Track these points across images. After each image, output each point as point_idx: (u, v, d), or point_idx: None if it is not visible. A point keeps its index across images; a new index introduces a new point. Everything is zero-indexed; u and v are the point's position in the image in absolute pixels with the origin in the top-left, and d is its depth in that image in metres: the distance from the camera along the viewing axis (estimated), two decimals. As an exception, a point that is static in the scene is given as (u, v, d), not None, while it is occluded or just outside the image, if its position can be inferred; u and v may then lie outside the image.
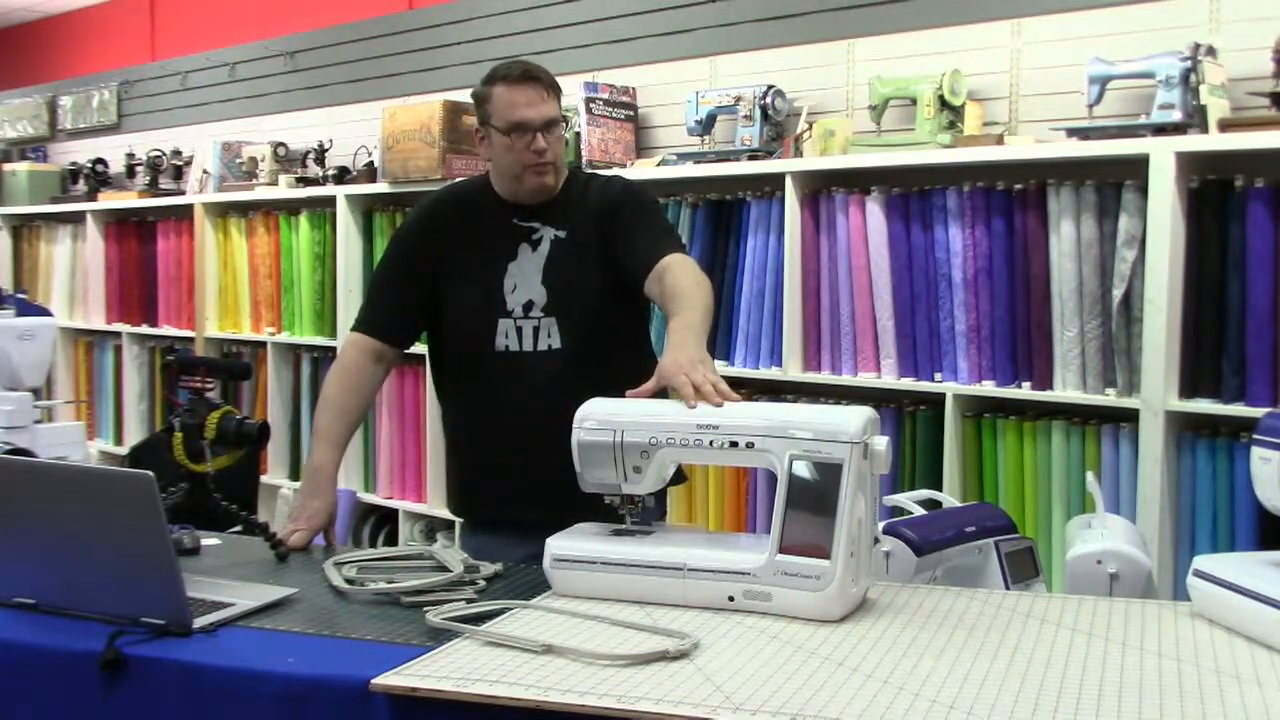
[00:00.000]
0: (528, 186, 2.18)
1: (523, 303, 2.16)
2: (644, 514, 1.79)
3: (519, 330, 2.16)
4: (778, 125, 3.33)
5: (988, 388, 2.90)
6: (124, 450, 4.97)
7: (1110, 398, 2.71)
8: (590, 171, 2.38)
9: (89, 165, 5.65)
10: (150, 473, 1.50)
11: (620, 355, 2.18)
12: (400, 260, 2.30)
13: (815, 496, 1.56)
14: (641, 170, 3.50)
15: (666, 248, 2.13)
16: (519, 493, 2.15)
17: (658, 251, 2.11)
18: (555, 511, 1.83)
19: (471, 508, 2.32)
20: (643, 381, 1.95)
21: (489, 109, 2.18)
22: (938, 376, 2.99)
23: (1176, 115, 2.60)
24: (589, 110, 3.63)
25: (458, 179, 2.83)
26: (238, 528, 2.11)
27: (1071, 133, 2.76)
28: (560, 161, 2.20)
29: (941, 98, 2.99)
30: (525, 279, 2.17)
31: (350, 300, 4.25)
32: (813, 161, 3.18)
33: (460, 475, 2.32)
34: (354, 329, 2.27)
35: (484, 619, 1.55)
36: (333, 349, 4.33)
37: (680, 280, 2.04)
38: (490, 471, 2.22)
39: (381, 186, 4.15)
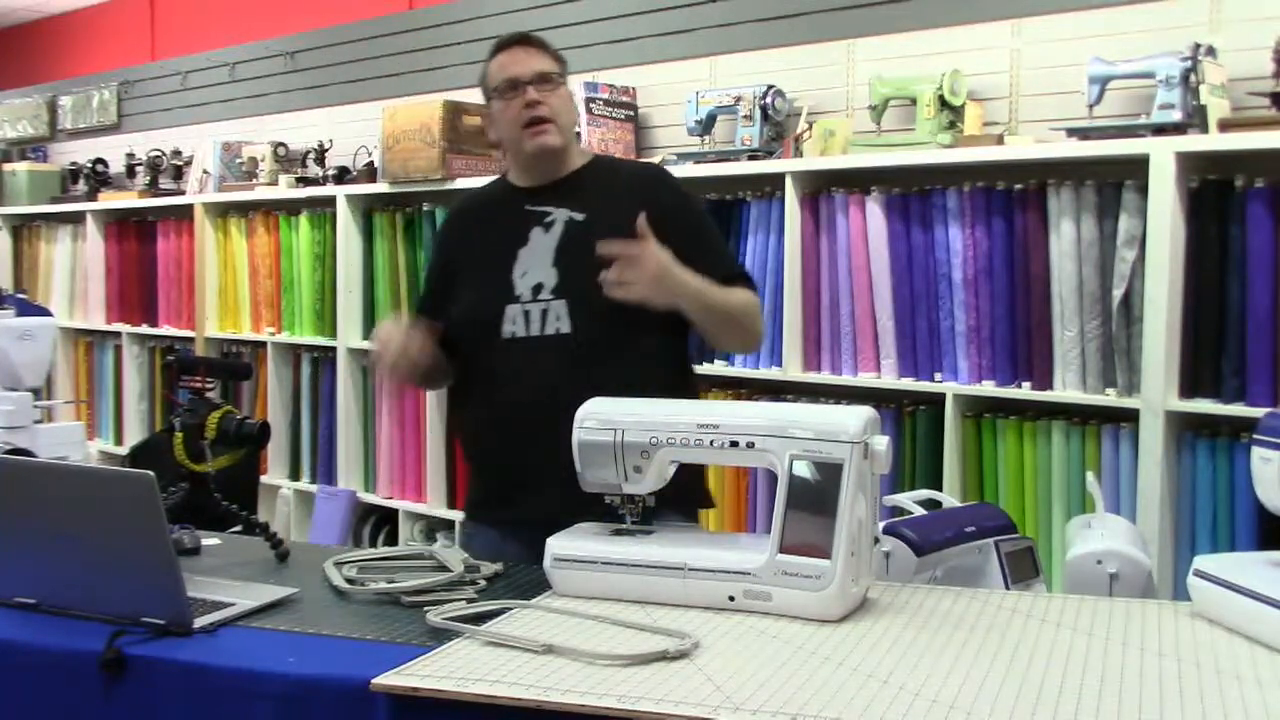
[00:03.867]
0: (529, 149, 2.09)
1: (532, 286, 2.06)
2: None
3: (526, 315, 2.05)
4: (778, 125, 3.33)
5: (988, 388, 2.90)
6: (124, 450, 4.97)
7: (1110, 398, 2.71)
8: (618, 157, 2.32)
9: (89, 165, 5.65)
10: (150, 473, 1.50)
11: (637, 345, 2.05)
12: (426, 281, 2.30)
13: (815, 496, 1.56)
14: (641, 170, 3.50)
15: (740, 286, 2.10)
16: (524, 489, 2.06)
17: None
18: (560, 510, 1.79)
19: (479, 506, 2.22)
20: (660, 377, 1.99)
21: (487, 83, 2.14)
22: (938, 376, 2.99)
23: (1176, 115, 2.60)
24: (589, 110, 3.62)
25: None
26: (238, 528, 2.11)
27: (1071, 133, 2.76)
28: (563, 121, 2.11)
29: (941, 98, 2.99)
30: (536, 262, 2.07)
31: (350, 300, 4.26)
32: (813, 161, 3.18)
33: (469, 475, 2.26)
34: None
35: (484, 619, 1.55)
36: (333, 349, 4.34)
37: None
38: (496, 468, 2.14)
39: (381, 186, 4.15)
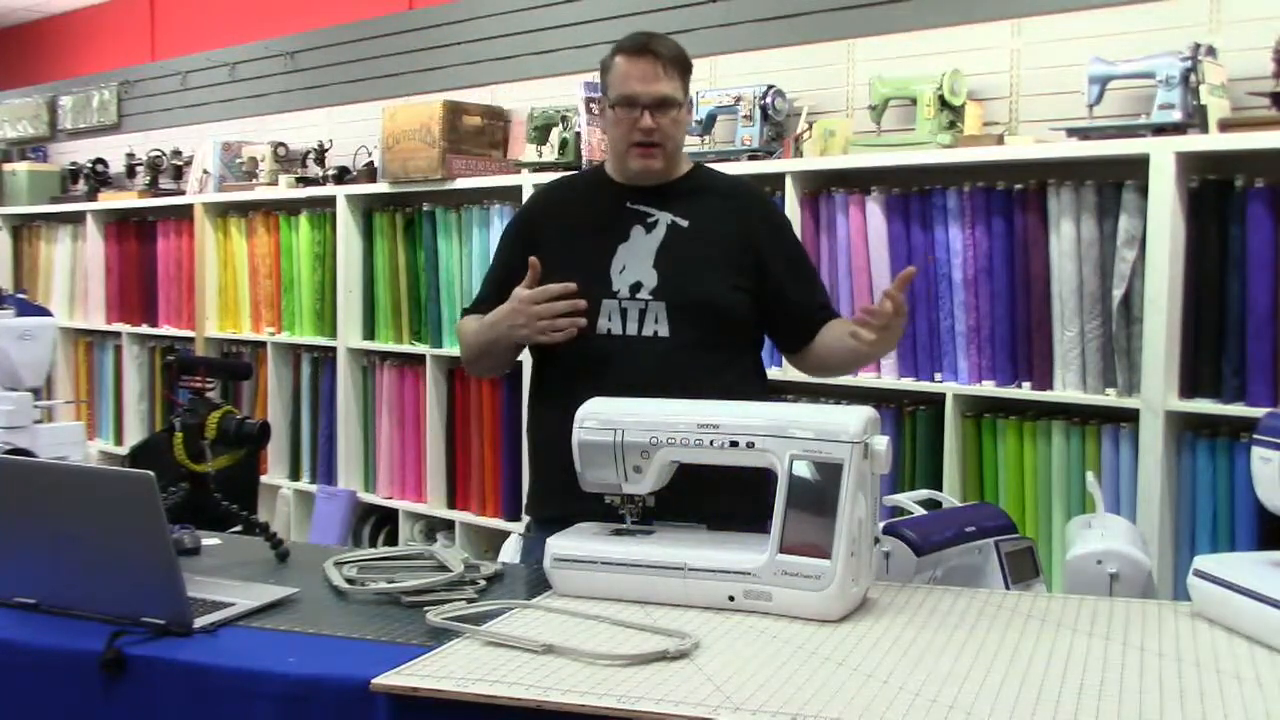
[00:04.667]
0: (631, 167, 2.08)
1: (630, 284, 2.03)
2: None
3: (624, 312, 2.03)
4: (778, 125, 3.33)
5: (988, 388, 2.90)
6: (124, 450, 4.97)
7: (1110, 398, 2.71)
8: (713, 168, 2.32)
9: (89, 165, 5.65)
10: (150, 473, 1.50)
11: (729, 353, 2.07)
12: (501, 256, 2.22)
13: (815, 496, 1.56)
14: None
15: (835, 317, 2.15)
16: None
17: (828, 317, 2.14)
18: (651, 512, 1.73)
19: (547, 504, 2.10)
20: (744, 384, 2.01)
21: (607, 80, 2.10)
22: (938, 376, 2.99)
23: (1176, 115, 2.60)
24: (589, 110, 3.62)
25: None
26: (238, 528, 2.11)
27: (1071, 133, 2.76)
28: (674, 146, 2.09)
29: (941, 98, 2.99)
30: (636, 261, 2.05)
31: (350, 300, 4.26)
32: (813, 161, 3.18)
33: (541, 476, 2.16)
34: (464, 315, 2.21)
35: (484, 619, 1.55)
36: (332, 349, 4.34)
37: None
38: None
39: (381, 186, 4.16)
